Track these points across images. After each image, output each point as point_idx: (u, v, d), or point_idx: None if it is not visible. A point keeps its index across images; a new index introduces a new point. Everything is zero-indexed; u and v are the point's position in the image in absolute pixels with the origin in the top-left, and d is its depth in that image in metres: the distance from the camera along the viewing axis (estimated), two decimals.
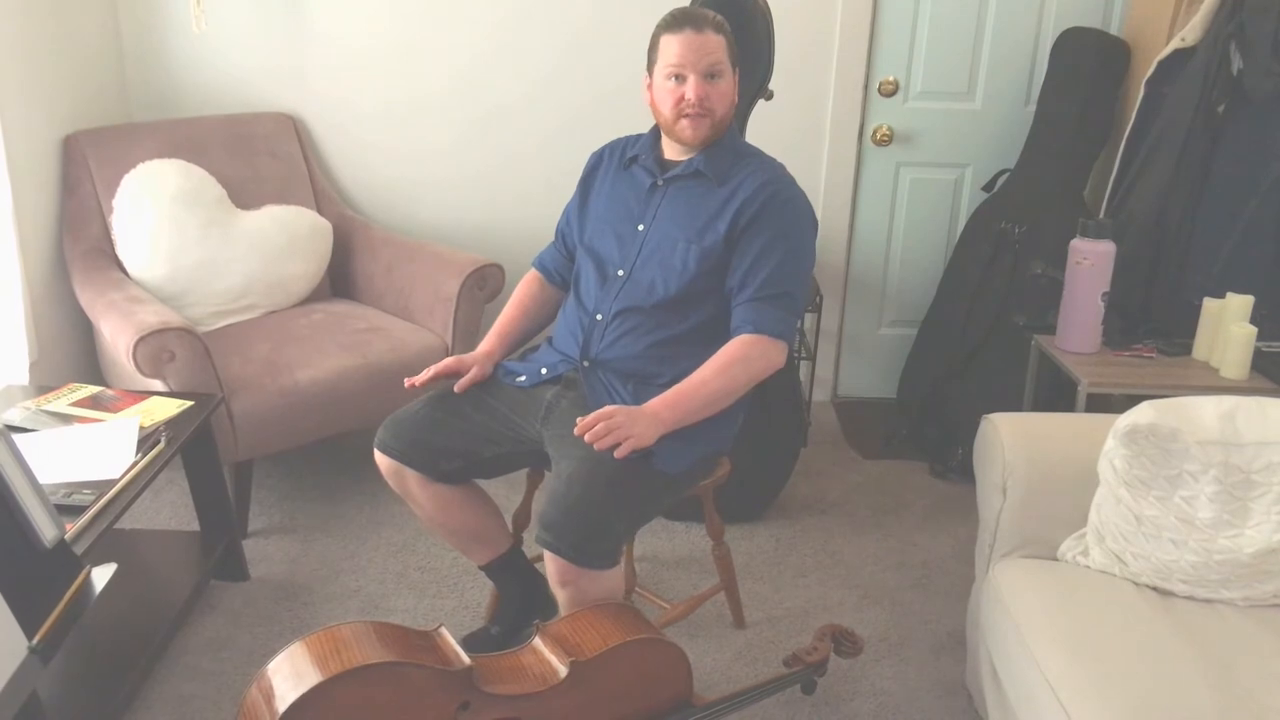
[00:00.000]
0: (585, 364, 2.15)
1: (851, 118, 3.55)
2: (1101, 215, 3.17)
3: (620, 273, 2.16)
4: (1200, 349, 2.75)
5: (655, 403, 1.99)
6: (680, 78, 2.05)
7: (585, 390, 2.12)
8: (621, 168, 2.25)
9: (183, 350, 2.58)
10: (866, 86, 3.54)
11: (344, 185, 3.58)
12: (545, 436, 2.10)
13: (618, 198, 2.23)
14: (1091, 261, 2.71)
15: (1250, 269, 2.79)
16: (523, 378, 2.20)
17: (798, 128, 3.54)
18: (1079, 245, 2.73)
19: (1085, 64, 3.29)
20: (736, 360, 2.04)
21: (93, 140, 3.08)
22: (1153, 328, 2.89)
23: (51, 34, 3.01)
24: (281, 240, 3.15)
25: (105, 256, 3.02)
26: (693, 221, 2.11)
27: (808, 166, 3.58)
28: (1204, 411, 1.88)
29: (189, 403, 2.45)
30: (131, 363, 2.56)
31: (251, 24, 3.39)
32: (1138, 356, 2.77)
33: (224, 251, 3.05)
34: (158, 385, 2.61)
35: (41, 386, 2.59)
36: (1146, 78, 3.03)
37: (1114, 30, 3.45)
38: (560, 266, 2.37)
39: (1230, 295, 2.66)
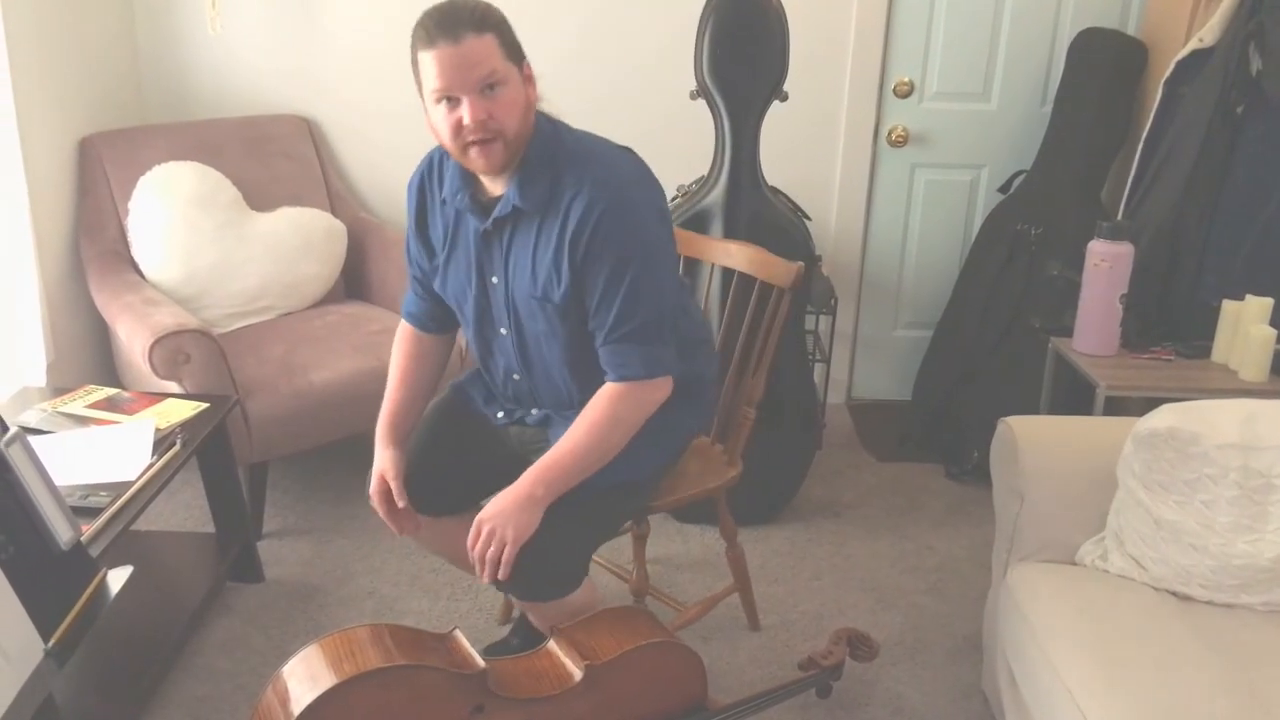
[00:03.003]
0: (534, 411, 2.03)
1: (866, 119, 3.54)
2: (1119, 216, 3.15)
3: (504, 331, 1.94)
4: (1219, 351, 2.73)
5: (526, 482, 1.79)
6: (451, 99, 1.70)
7: (549, 431, 2.01)
8: (443, 203, 1.93)
9: (198, 352, 2.59)
10: (881, 87, 3.53)
11: (358, 187, 3.59)
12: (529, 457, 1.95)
13: (458, 248, 1.92)
14: (1109, 263, 2.69)
15: (1269, 270, 2.77)
16: (501, 415, 2.08)
17: (812, 129, 3.53)
18: (1096, 247, 2.72)
19: (1102, 65, 3.27)
20: (609, 419, 1.83)
21: (108, 142, 3.09)
22: (1171, 330, 2.87)
23: (67, 37, 3.02)
24: (296, 242, 3.15)
25: (121, 259, 3.03)
26: (536, 275, 1.83)
27: (822, 168, 3.58)
28: (1223, 415, 1.86)
29: (204, 405, 2.45)
30: (147, 365, 2.57)
31: (267, 26, 3.40)
32: (1156, 359, 2.75)
33: (239, 253, 3.05)
34: (173, 387, 2.62)
35: (58, 388, 2.60)
36: (1165, 78, 3.01)
37: (1131, 30, 3.43)
38: (429, 311, 2.08)
39: (1249, 297, 2.64)
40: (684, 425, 2.08)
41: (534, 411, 2.03)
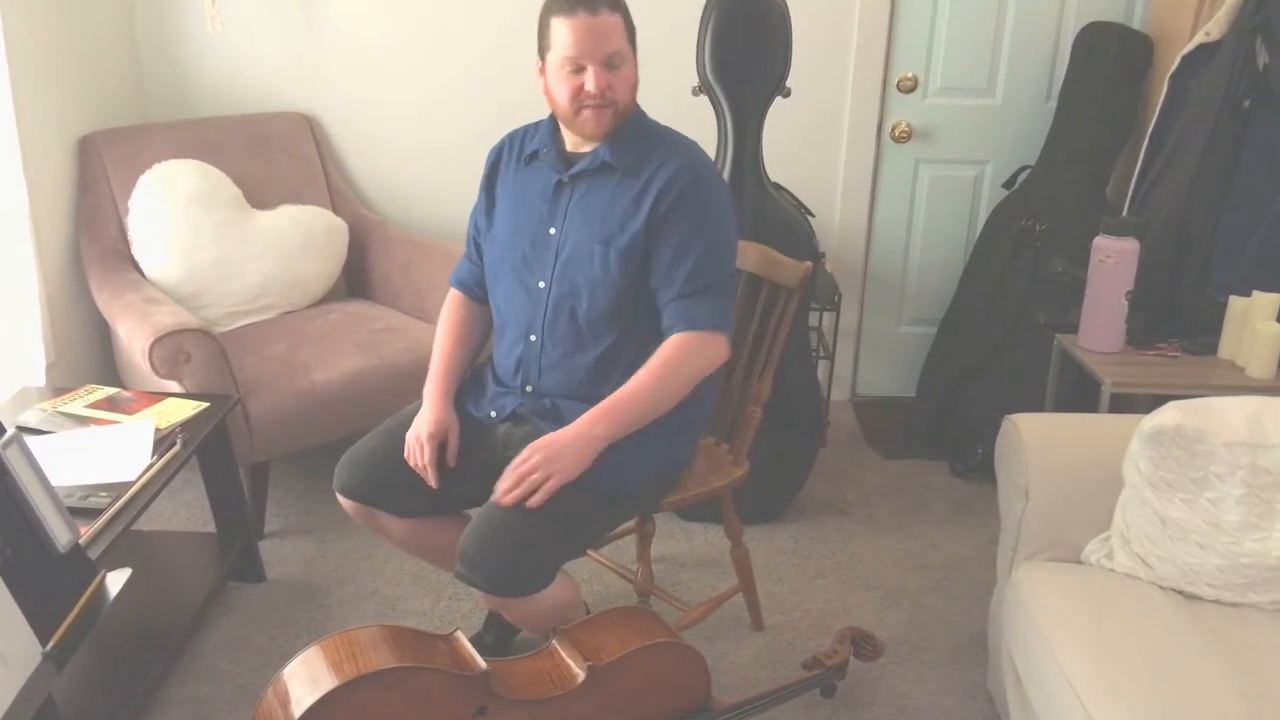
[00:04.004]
0: (528, 389, 2.05)
1: (870, 114, 3.52)
2: (1124, 212, 3.13)
3: (541, 285, 2.01)
4: (1226, 348, 2.71)
5: (586, 420, 1.88)
6: (578, 68, 1.88)
7: (535, 423, 2.02)
8: (523, 164, 2.08)
9: (199, 351, 2.58)
10: (885, 83, 3.51)
11: (360, 184, 3.58)
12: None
13: (523, 199, 2.06)
14: (1115, 259, 2.67)
15: (1277, 266, 2.75)
16: (494, 413, 2.10)
17: (816, 125, 3.51)
18: (1102, 243, 2.70)
19: (1107, 59, 3.24)
20: (672, 363, 1.93)
21: (108, 140, 3.08)
22: (1177, 326, 2.85)
23: (67, 34, 3.01)
24: (297, 240, 3.14)
25: (121, 257, 3.02)
26: (606, 222, 1.96)
27: (826, 164, 3.56)
28: (1230, 412, 1.85)
29: (205, 404, 2.44)
30: (148, 364, 2.56)
31: (267, 23, 3.39)
32: (1162, 356, 2.73)
33: (240, 251, 3.04)
34: (174, 386, 2.61)
35: (58, 388, 2.59)
36: (1170, 73, 2.99)
37: (1136, 24, 3.41)
38: (479, 278, 2.20)
39: (1256, 293, 2.63)
40: (683, 446, 2.12)
41: (528, 391, 2.04)
